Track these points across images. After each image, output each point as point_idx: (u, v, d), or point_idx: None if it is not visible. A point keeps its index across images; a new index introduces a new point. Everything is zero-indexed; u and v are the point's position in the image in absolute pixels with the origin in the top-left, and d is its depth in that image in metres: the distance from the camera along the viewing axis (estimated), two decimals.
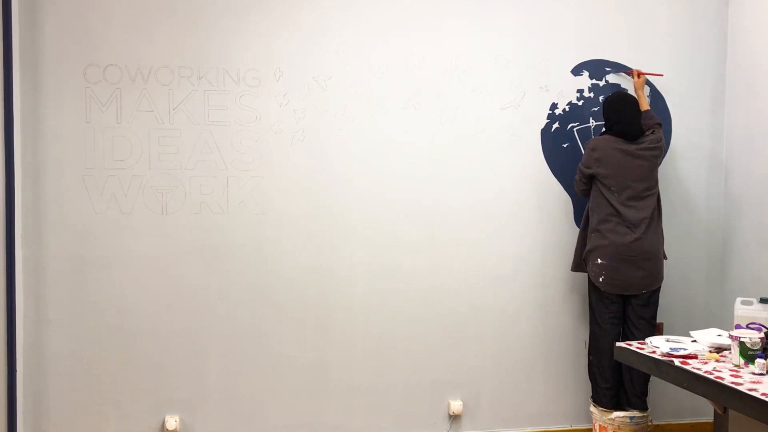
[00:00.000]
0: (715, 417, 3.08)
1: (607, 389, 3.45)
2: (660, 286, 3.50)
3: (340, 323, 3.53)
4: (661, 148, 3.50)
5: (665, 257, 3.52)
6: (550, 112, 3.69)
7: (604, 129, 3.57)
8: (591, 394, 3.57)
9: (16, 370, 3.21)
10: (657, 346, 2.78)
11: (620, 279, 3.40)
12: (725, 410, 2.76)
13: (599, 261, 3.41)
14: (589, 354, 3.56)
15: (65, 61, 3.27)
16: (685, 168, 3.82)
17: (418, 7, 3.55)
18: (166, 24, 3.34)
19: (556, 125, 3.70)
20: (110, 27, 3.30)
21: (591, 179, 3.47)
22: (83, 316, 3.32)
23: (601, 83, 3.71)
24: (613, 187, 3.40)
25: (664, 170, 3.77)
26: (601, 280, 3.41)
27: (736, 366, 2.52)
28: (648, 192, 3.44)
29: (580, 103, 3.71)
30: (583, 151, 3.68)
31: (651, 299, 3.48)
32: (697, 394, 2.54)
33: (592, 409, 3.51)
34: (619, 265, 3.38)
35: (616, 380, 3.46)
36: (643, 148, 3.44)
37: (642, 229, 3.38)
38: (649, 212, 3.43)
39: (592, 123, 3.73)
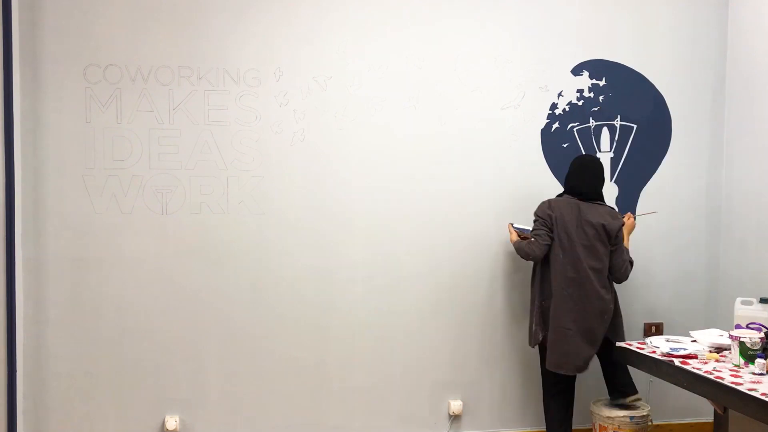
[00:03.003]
0: (715, 417, 3.08)
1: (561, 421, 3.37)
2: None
3: (340, 323, 3.53)
4: (611, 235, 3.22)
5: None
6: (550, 112, 3.69)
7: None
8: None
9: (16, 370, 3.21)
10: (657, 346, 2.79)
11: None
12: (725, 410, 2.76)
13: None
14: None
15: (65, 61, 3.27)
16: (684, 168, 3.82)
17: (418, 7, 3.55)
18: (166, 24, 3.34)
19: (556, 125, 3.70)
20: (110, 27, 3.30)
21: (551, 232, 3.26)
22: (83, 316, 3.32)
23: (601, 83, 3.72)
24: (566, 242, 3.22)
25: (664, 170, 3.78)
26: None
27: (736, 366, 2.53)
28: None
29: (580, 103, 3.71)
30: (583, 153, 3.69)
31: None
32: (697, 394, 2.55)
33: (593, 408, 3.50)
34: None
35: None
36: (601, 212, 3.26)
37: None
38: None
39: (592, 123, 3.73)
